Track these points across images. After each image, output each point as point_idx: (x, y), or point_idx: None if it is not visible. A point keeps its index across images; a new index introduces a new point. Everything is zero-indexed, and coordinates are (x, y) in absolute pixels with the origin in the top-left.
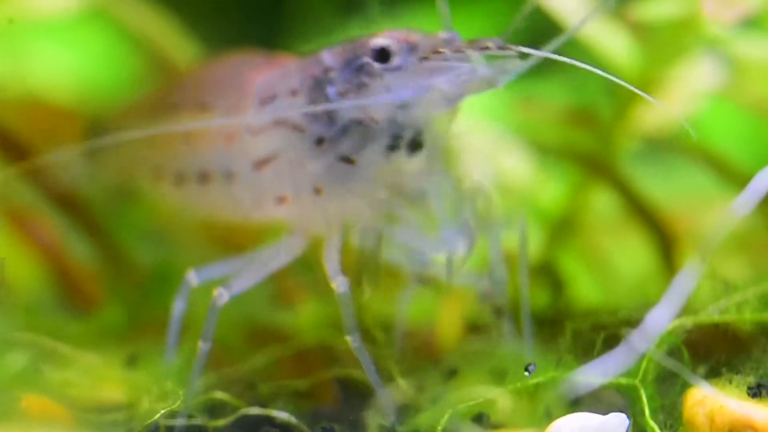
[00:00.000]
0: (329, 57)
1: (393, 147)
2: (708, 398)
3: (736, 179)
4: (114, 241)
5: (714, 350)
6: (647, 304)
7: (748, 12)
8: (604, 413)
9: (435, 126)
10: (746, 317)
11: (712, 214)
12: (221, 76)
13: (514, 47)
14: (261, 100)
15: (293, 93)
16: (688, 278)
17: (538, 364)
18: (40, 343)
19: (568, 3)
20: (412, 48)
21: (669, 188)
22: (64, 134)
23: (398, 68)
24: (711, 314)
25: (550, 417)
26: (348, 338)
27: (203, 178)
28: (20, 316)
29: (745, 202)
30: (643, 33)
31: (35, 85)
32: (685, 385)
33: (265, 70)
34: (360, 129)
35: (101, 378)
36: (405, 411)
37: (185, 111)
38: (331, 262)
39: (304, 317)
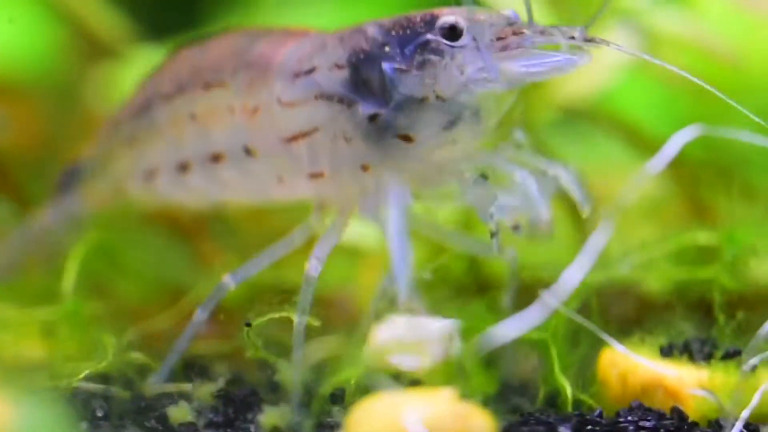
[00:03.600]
0: (379, 31)
1: (452, 124)
2: (621, 358)
3: (649, 147)
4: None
5: (626, 312)
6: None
7: None
8: (519, 374)
9: (493, 104)
10: (655, 274)
11: (626, 180)
12: (224, 55)
13: (598, 39)
14: (294, 73)
15: (338, 66)
16: (600, 237)
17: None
18: None
19: None
20: (481, 27)
21: (585, 156)
22: None
23: (468, 47)
24: (620, 271)
25: (464, 374)
26: (297, 318)
27: (214, 158)
28: None
29: (654, 166)
30: (558, 4)
31: None
32: (599, 346)
33: (286, 43)
34: (419, 106)
35: (23, 335)
36: (324, 370)
37: (186, 95)
38: (326, 242)
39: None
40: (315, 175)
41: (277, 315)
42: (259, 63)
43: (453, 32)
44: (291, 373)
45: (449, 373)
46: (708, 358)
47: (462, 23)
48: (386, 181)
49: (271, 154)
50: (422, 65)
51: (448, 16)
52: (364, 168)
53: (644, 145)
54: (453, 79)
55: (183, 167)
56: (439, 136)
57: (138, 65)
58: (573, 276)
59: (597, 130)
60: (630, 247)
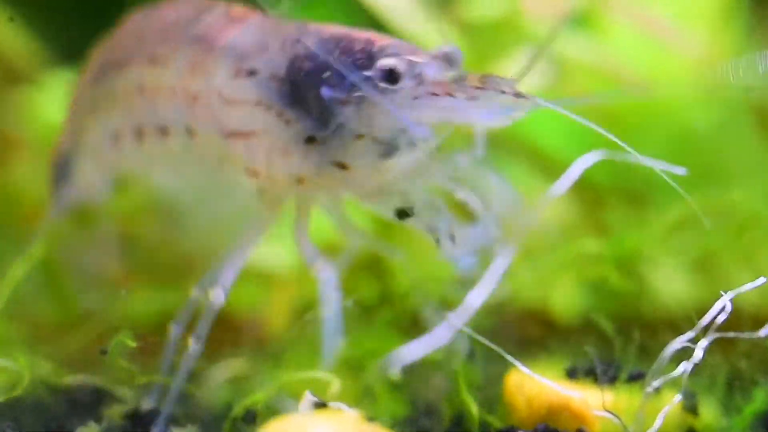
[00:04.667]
0: (320, 49)
1: (389, 155)
2: (526, 380)
3: (557, 172)
4: None
5: (531, 333)
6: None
7: (569, 11)
8: (428, 393)
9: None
10: (559, 298)
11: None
12: (170, 25)
13: (528, 96)
14: (236, 69)
15: (277, 78)
16: (505, 260)
17: (361, 345)
18: None
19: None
20: (419, 74)
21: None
22: None
23: (404, 92)
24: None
25: (371, 395)
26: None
27: (162, 131)
28: None
29: (557, 189)
30: (469, 30)
31: None
32: (505, 368)
33: (232, 24)
34: (355, 139)
35: None
36: (233, 392)
37: (134, 66)
38: (231, 268)
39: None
40: (252, 172)
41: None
42: (202, 42)
43: (391, 75)
44: (205, 393)
45: (357, 395)
46: (612, 380)
47: (401, 67)
48: (320, 197)
49: (209, 141)
50: (359, 101)
51: (388, 59)
52: (299, 181)
53: (552, 170)
54: (388, 121)
55: (139, 134)
56: (375, 165)
57: (53, 89)
58: (477, 297)
59: (505, 155)
60: (535, 269)
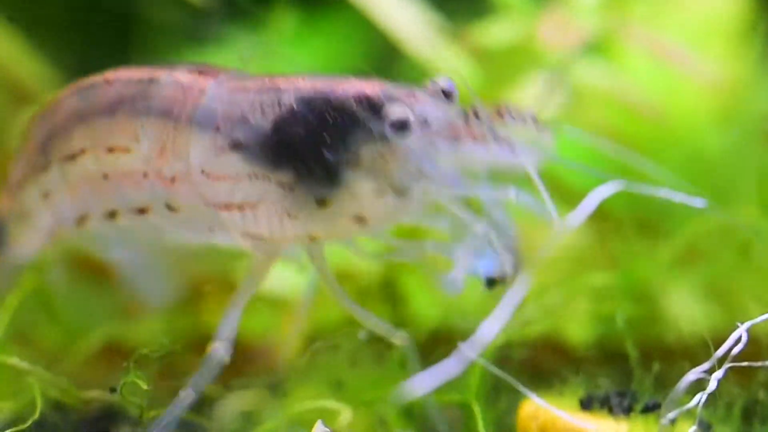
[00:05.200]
0: (308, 111)
1: (405, 198)
2: (540, 410)
3: (572, 199)
4: None
5: (545, 363)
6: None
7: (583, 38)
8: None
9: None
10: (573, 327)
11: (546, 231)
12: (119, 104)
13: (551, 125)
14: (217, 145)
15: (268, 148)
16: (520, 290)
17: (376, 376)
18: None
19: (409, 26)
20: (426, 119)
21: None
22: None
23: (417, 141)
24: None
25: (384, 426)
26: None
27: (140, 211)
28: None
29: (575, 219)
30: (483, 56)
31: None
32: (518, 398)
33: (193, 94)
34: (372, 193)
35: None
36: (244, 423)
37: (89, 156)
38: (229, 321)
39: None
40: (252, 236)
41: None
42: (166, 119)
43: (402, 126)
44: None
45: (369, 425)
46: (627, 410)
47: (411, 116)
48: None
49: (196, 212)
50: (370, 158)
51: (396, 109)
52: (311, 238)
53: (566, 197)
54: (405, 171)
55: (111, 215)
56: (394, 212)
57: None
58: (490, 328)
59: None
60: (549, 299)
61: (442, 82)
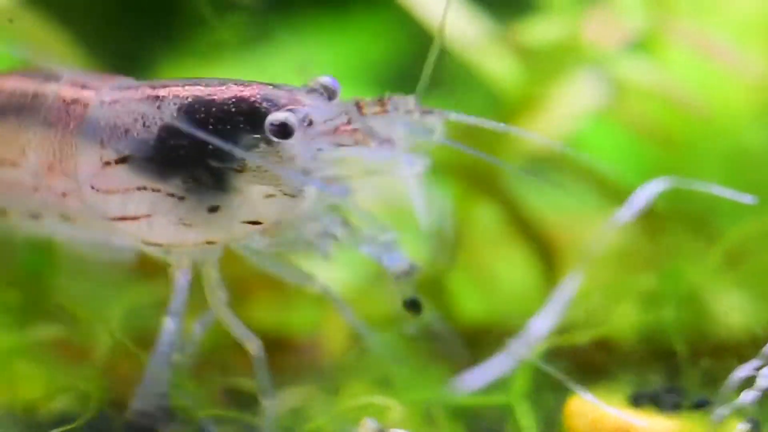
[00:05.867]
0: (187, 120)
1: (299, 200)
2: (589, 407)
3: (616, 195)
4: None
5: (593, 359)
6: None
7: (628, 37)
8: (486, 422)
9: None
10: (621, 321)
11: (593, 228)
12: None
13: (437, 110)
14: (103, 159)
15: (153, 161)
16: (569, 288)
17: (424, 374)
18: None
19: (458, 26)
20: (309, 120)
21: (551, 204)
22: None
23: (300, 142)
24: (590, 323)
25: (432, 423)
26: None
27: (35, 216)
28: None
29: (623, 216)
30: (526, 54)
31: None
32: (566, 394)
33: (75, 107)
34: (264, 198)
35: None
36: (293, 420)
37: None
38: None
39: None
40: (151, 243)
41: None
42: (51, 134)
43: (284, 130)
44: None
45: (417, 421)
46: (676, 407)
47: (293, 120)
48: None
49: (94, 223)
50: (257, 165)
51: (277, 113)
52: (210, 243)
53: (611, 192)
54: (293, 173)
55: (2, 213)
56: (288, 212)
57: None
58: (541, 324)
59: (563, 177)
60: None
61: (323, 79)
